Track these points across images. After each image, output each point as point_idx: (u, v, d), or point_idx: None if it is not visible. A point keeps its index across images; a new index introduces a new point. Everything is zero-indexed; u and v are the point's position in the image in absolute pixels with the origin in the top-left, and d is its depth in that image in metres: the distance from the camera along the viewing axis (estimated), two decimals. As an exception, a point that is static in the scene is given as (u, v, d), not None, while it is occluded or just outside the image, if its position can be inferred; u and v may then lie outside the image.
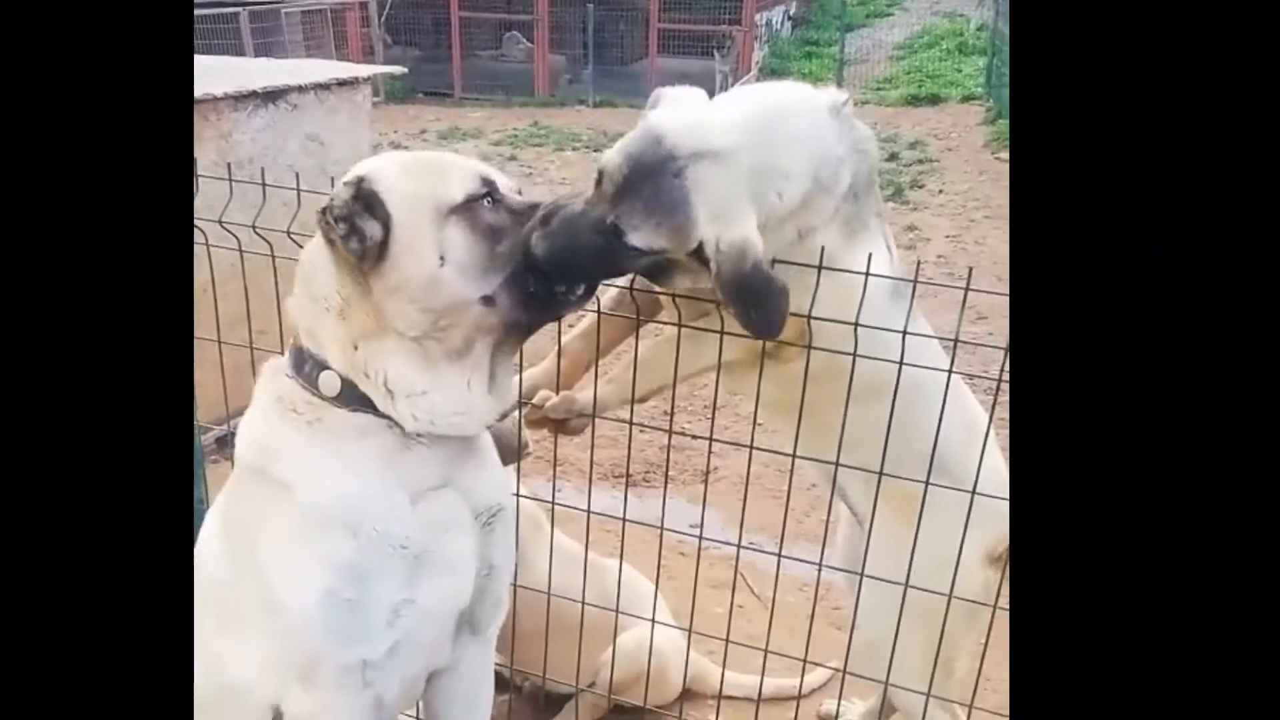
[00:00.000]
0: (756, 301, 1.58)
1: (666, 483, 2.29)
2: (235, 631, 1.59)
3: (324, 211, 1.47)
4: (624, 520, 1.59)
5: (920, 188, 9.97)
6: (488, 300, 1.49)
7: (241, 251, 1.83)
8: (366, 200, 1.46)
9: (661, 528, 1.86)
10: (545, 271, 1.49)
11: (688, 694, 2.88)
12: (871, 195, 1.84)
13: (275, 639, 1.55)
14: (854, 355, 1.68)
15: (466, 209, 1.48)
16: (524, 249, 1.49)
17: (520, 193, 1.60)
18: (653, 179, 1.53)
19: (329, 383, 1.51)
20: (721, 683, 2.85)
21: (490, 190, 1.52)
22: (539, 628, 2.23)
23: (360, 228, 1.45)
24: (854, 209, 1.78)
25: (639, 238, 1.54)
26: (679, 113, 1.63)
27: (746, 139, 1.60)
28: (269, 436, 1.56)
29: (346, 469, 1.51)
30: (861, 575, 1.96)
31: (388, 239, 1.45)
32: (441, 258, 1.46)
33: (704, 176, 1.54)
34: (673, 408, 2.07)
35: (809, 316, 1.64)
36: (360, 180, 1.48)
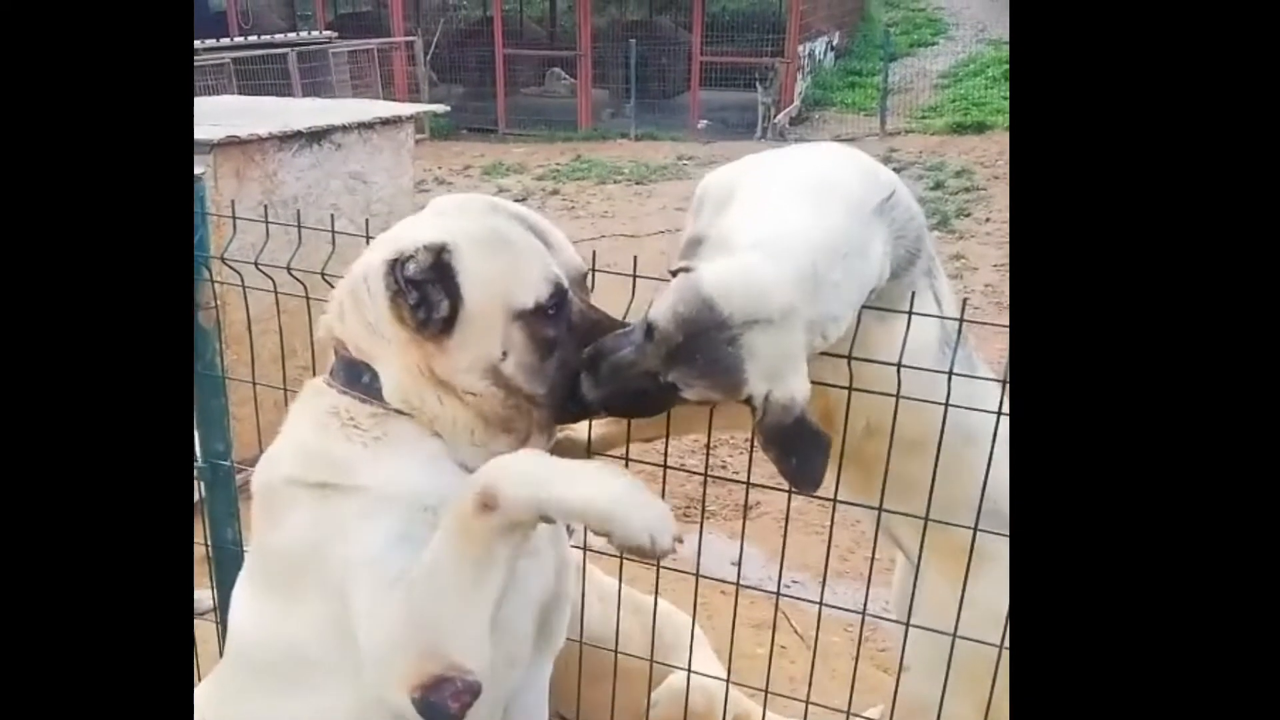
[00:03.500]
0: (797, 451, 1.53)
1: (702, 526, 2.25)
2: (329, 677, 1.49)
3: (394, 265, 1.45)
4: (658, 567, 1.56)
5: (967, 216, 9.88)
6: (531, 399, 1.53)
7: (277, 293, 1.84)
8: (442, 274, 1.45)
9: (697, 574, 1.82)
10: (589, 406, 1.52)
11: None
12: (914, 266, 1.75)
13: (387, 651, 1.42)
14: (896, 397, 1.63)
15: (533, 315, 1.49)
16: (568, 378, 1.51)
17: (585, 281, 1.60)
18: (706, 345, 1.48)
19: (391, 390, 1.50)
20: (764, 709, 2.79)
21: (559, 300, 1.52)
22: (577, 669, 2.19)
23: (431, 301, 1.45)
24: (891, 286, 1.70)
25: (691, 393, 1.53)
26: (729, 270, 1.51)
27: (799, 296, 1.51)
28: (331, 450, 1.50)
29: (422, 463, 1.49)
30: (907, 626, 1.90)
31: (454, 320, 1.46)
32: (504, 353, 1.48)
33: (757, 343, 1.49)
34: (709, 443, 2.03)
35: (849, 388, 1.60)
36: (442, 250, 1.46)
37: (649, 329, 1.50)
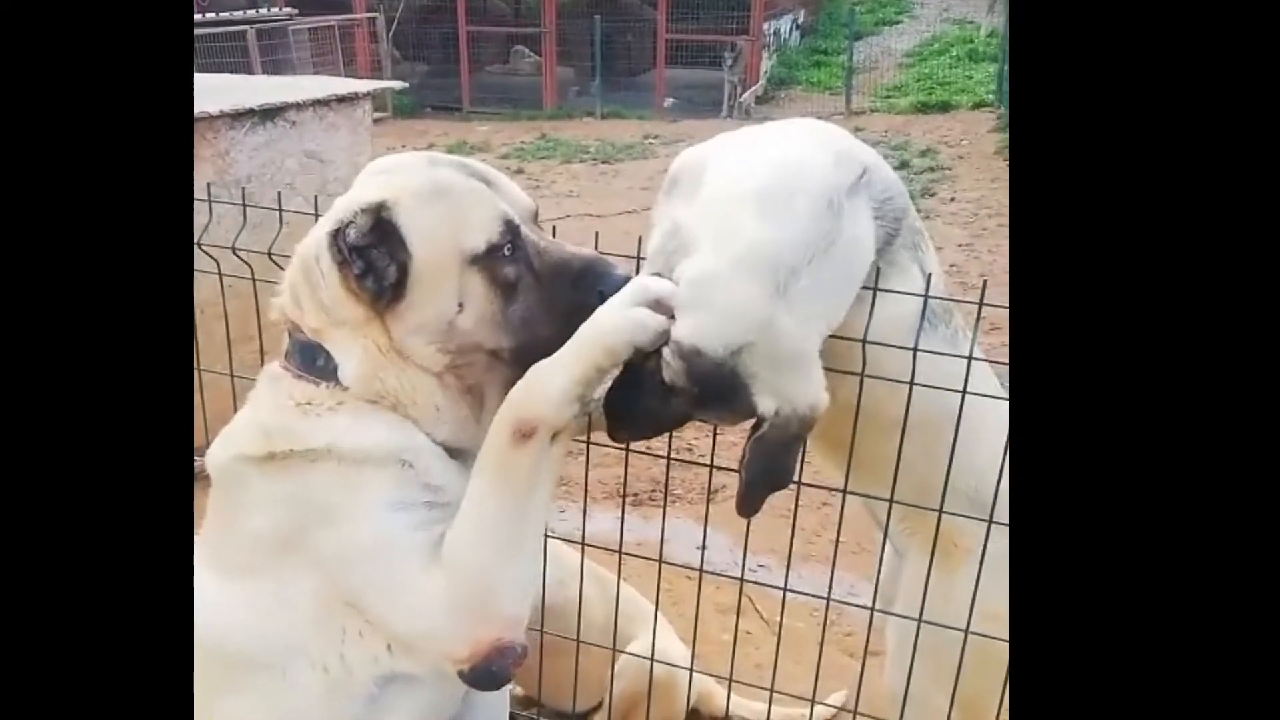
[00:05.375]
0: (776, 468, 1.53)
1: (665, 511, 2.21)
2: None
3: (336, 235, 1.39)
4: (620, 553, 1.52)
5: (931, 195, 9.90)
6: (494, 354, 1.46)
7: (221, 275, 1.77)
8: (385, 233, 1.39)
9: (660, 560, 1.78)
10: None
11: (694, 715, 2.80)
12: (895, 241, 1.70)
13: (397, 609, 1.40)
14: (860, 376, 1.60)
15: (488, 258, 1.42)
16: (534, 328, 1.45)
17: (537, 217, 1.53)
18: (714, 384, 1.46)
19: (350, 374, 1.44)
20: (727, 709, 2.78)
21: (512, 237, 1.45)
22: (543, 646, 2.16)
23: (378, 267, 1.38)
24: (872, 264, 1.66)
25: (706, 419, 1.56)
26: (698, 311, 1.45)
27: (773, 307, 1.47)
28: (288, 424, 1.45)
29: (386, 422, 1.44)
30: (872, 612, 1.88)
31: (405, 280, 1.39)
32: (460, 305, 1.41)
33: (751, 363, 1.46)
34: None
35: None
36: (381, 208, 1.40)
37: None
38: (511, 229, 1.44)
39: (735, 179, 1.57)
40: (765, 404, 1.47)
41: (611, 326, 1.37)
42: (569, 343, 1.38)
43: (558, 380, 1.36)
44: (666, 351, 1.44)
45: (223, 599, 1.48)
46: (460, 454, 1.49)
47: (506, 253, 1.43)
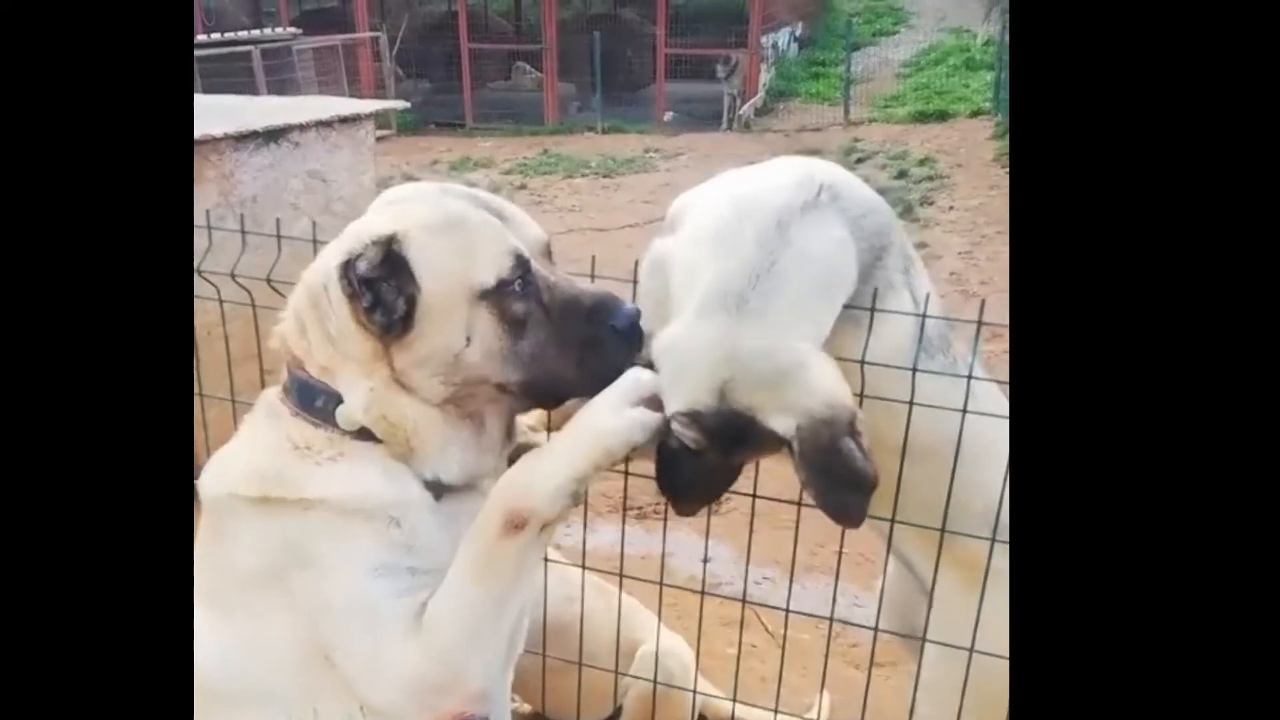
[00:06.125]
0: (839, 486, 1.48)
1: (666, 524, 2.22)
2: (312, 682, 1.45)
3: (346, 268, 1.38)
4: (620, 576, 1.54)
5: (930, 204, 9.92)
6: (501, 387, 1.46)
7: (221, 301, 1.79)
8: (394, 266, 1.38)
9: (661, 583, 1.79)
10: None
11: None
12: (882, 262, 1.70)
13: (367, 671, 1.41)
14: (859, 397, 1.61)
15: (497, 293, 1.42)
16: (544, 362, 1.45)
17: (549, 251, 1.54)
18: (726, 435, 1.49)
19: (349, 417, 1.44)
20: (733, 716, 2.79)
21: (523, 272, 1.44)
22: (542, 661, 2.17)
23: (387, 301, 1.38)
24: (861, 287, 1.65)
25: (754, 459, 1.61)
26: (674, 380, 1.50)
27: (733, 337, 1.50)
28: (283, 471, 1.45)
29: (380, 474, 1.44)
30: (874, 631, 1.88)
31: (413, 312, 1.39)
32: (468, 339, 1.41)
33: (744, 393, 1.48)
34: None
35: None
36: (392, 240, 1.40)
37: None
38: (522, 264, 1.44)
39: (700, 224, 1.65)
40: (782, 424, 1.47)
41: (610, 428, 1.40)
42: (567, 437, 1.41)
43: (555, 477, 1.38)
44: (674, 426, 1.49)
45: (209, 634, 1.48)
46: (455, 489, 1.49)
47: (516, 288, 1.43)
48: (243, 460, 1.49)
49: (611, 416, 1.41)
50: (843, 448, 1.45)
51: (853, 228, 1.63)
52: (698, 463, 1.53)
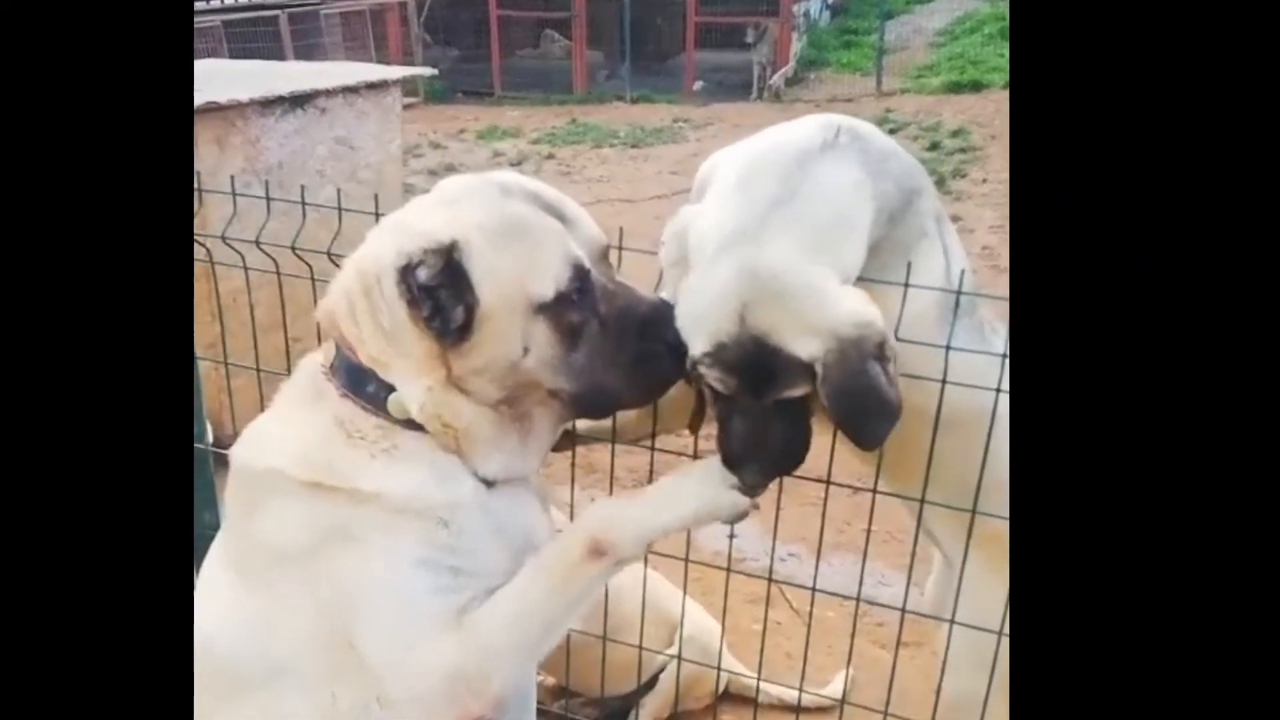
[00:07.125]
0: (863, 412, 1.46)
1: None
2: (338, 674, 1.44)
3: (405, 273, 1.37)
4: (645, 551, 1.53)
5: (963, 177, 9.78)
6: (553, 394, 1.46)
7: (247, 269, 1.77)
8: (454, 275, 1.37)
9: (686, 559, 1.77)
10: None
11: (725, 696, 2.84)
12: (912, 211, 1.67)
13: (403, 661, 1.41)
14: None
15: (555, 305, 1.41)
16: (597, 369, 1.45)
17: (608, 254, 1.53)
18: (750, 368, 1.45)
19: (402, 409, 1.43)
20: (757, 693, 2.80)
21: (582, 283, 1.43)
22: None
23: (446, 310, 1.37)
24: (891, 231, 1.62)
25: (792, 406, 1.53)
26: (697, 307, 1.48)
27: (754, 255, 1.46)
28: (334, 459, 1.43)
29: (437, 474, 1.44)
30: (901, 615, 1.85)
31: (471, 322, 1.38)
32: (525, 349, 1.41)
33: (764, 317, 1.43)
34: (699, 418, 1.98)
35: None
36: (453, 249, 1.38)
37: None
38: (580, 275, 1.43)
39: (724, 181, 1.62)
40: (807, 347, 1.42)
41: (709, 500, 1.49)
42: (668, 491, 1.50)
43: (644, 523, 1.46)
44: (700, 370, 1.46)
45: (232, 606, 1.48)
46: (501, 485, 1.49)
47: (574, 298, 1.42)
48: (291, 439, 1.47)
49: (713, 489, 1.49)
50: (870, 370, 1.42)
51: (874, 170, 1.60)
52: (739, 415, 1.48)
